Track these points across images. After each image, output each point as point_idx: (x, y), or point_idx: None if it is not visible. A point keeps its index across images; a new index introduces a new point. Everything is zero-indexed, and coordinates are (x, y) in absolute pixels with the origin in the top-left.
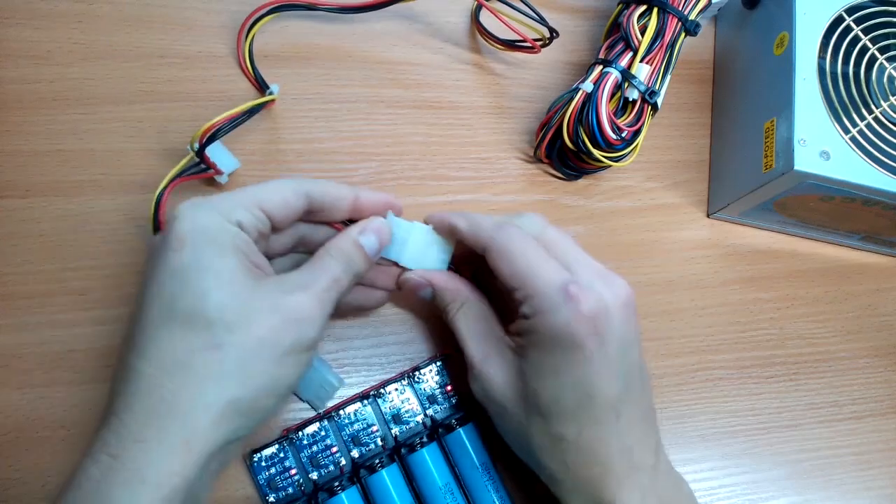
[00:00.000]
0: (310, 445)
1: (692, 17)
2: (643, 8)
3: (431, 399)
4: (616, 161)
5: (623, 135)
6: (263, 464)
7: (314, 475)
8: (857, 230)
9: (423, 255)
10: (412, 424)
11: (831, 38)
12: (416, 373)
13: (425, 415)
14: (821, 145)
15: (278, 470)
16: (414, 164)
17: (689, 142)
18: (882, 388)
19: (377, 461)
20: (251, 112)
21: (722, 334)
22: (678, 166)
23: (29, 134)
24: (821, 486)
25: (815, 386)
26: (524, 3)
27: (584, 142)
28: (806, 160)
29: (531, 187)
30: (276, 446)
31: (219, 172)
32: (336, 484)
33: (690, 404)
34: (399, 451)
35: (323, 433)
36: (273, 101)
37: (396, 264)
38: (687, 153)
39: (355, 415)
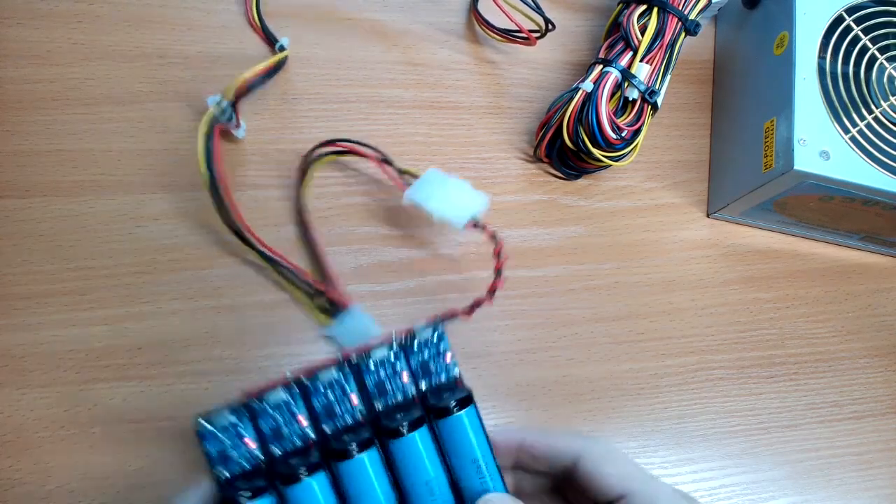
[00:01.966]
0: (273, 415)
1: (692, 16)
2: (643, 7)
3: (426, 370)
4: (616, 161)
5: (623, 134)
6: (215, 430)
7: (276, 449)
8: (857, 230)
9: (452, 204)
10: (399, 398)
11: (831, 38)
12: (411, 337)
13: (417, 389)
14: (821, 145)
15: (233, 440)
16: (414, 165)
17: (689, 142)
18: (882, 388)
19: (354, 446)
20: (277, 68)
21: (722, 334)
22: (678, 166)
23: (29, 134)
24: (821, 486)
25: (815, 386)
26: None
27: (584, 141)
28: (806, 160)
29: (531, 187)
30: (232, 414)
31: (238, 126)
32: (302, 470)
33: (690, 404)
34: (379, 430)
35: (290, 401)
36: (287, 56)
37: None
38: (687, 153)
39: (331, 383)
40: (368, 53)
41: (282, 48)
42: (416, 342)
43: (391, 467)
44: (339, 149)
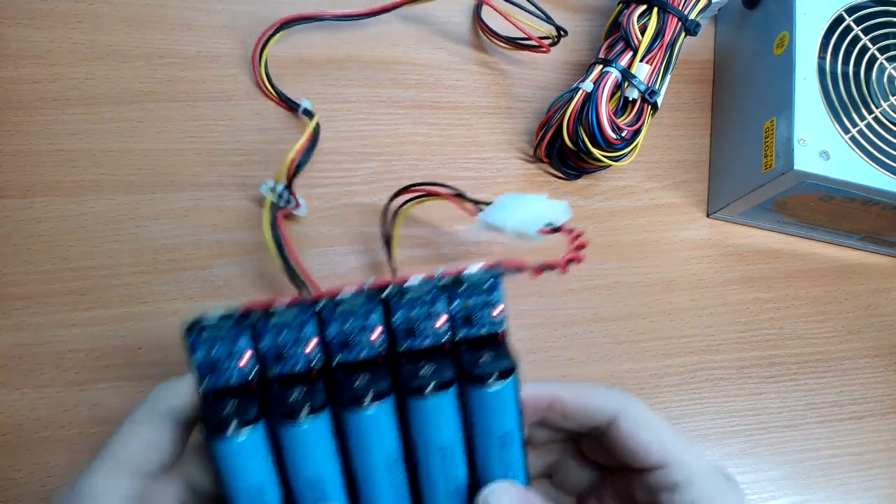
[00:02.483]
0: (277, 332)
1: (692, 16)
2: (643, 7)
3: (468, 320)
4: (616, 161)
5: (623, 134)
6: (204, 339)
7: (274, 370)
8: (857, 230)
9: (525, 219)
10: (428, 343)
11: (831, 38)
12: (459, 284)
13: (452, 337)
14: (821, 145)
15: (224, 351)
16: (414, 164)
17: (689, 142)
18: (882, 388)
19: (369, 396)
20: (315, 136)
21: (722, 334)
22: (678, 166)
23: (29, 134)
24: (821, 486)
25: (815, 386)
26: (530, 2)
27: (584, 141)
28: (806, 160)
29: (531, 187)
30: (228, 322)
31: (298, 205)
32: (304, 411)
33: (690, 404)
34: (400, 383)
35: (300, 321)
36: (318, 122)
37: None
38: (687, 153)
39: (354, 308)
40: (368, 53)
41: (307, 112)
42: (463, 285)
43: (404, 422)
44: (416, 195)
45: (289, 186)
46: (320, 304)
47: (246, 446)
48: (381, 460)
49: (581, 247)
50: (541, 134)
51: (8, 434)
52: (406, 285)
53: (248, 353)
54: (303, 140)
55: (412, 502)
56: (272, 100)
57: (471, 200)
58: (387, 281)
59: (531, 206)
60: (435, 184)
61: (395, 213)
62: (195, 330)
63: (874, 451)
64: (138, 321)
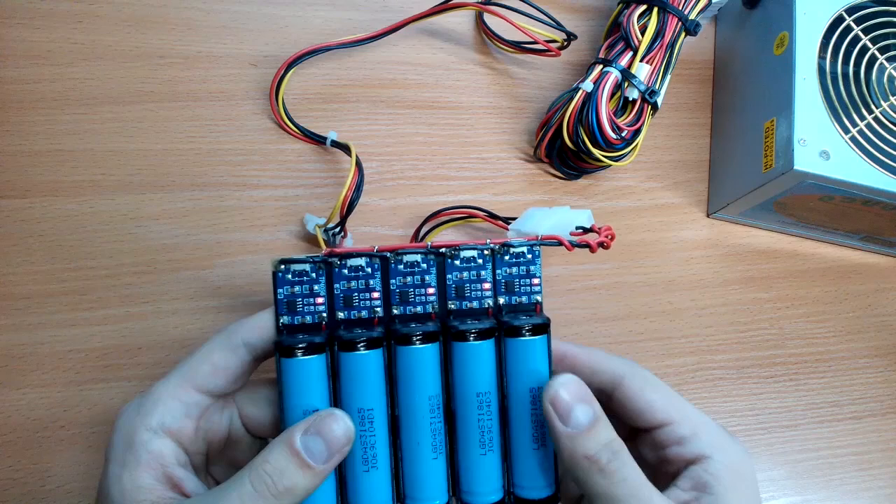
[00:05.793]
0: (349, 279)
1: (692, 16)
2: (643, 7)
3: (509, 287)
4: (616, 161)
5: (623, 134)
6: (290, 276)
7: (342, 314)
8: (857, 230)
9: (555, 226)
10: (475, 306)
11: (831, 38)
12: (507, 249)
13: (495, 301)
14: (821, 145)
15: (304, 291)
16: (414, 164)
17: (689, 142)
18: (882, 388)
19: (419, 335)
20: (360, 170)
21: (722, 334)
22: (678, 166)
23: (29, 134)
24: (821, 486)
25: (815, 386)
26: (539, 10)
27: (584, 141)
28: (806, 160)
29: (531, 187)
30: (310, 265)
31: (345, 236)
32: (362, 342)
33: None
34: (447, 329)
35: (369, 271)
36: (356, 155)
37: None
38: (687, 153)
39: (414, 268)
40: (368, 53)
41: (336, 144)
42: (507, 255)
43: (448, 369)
44: (448, 217)
45: (342, 226)
46: (391, 257)
47: (308, 369)
48: (424, 400)
49: (611, 236)
50: (541, 134)
51: (8, 434)
52: (459, 249)
53: (323, 297)
54: (350, 180)
55: (448, 451)
56: (296, 136)
57: (500, 218)
58: (444, 244)
59: (558, 215)
60: (461, 207)
61: (425, 236)
62: (283, 266)
63: (874, 451)
64: (138, 321)
